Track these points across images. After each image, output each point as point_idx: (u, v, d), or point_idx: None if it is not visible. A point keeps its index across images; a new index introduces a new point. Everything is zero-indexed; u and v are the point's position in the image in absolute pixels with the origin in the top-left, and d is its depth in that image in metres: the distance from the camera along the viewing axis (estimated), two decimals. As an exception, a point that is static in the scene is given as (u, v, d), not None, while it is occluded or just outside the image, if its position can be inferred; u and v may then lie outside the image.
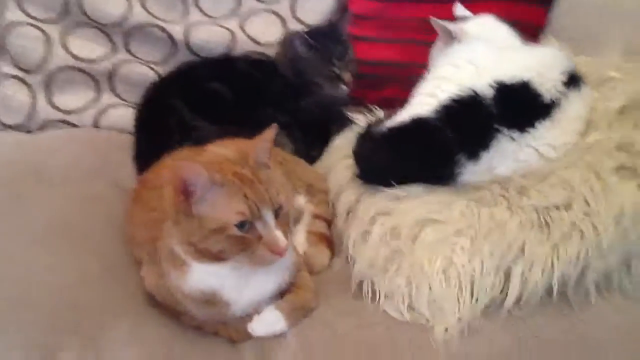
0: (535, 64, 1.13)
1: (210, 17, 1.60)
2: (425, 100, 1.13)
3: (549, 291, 0.95)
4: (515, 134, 1.07)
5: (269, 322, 0.97)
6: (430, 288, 0.96)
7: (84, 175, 1.33)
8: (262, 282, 0.97)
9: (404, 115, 1.14)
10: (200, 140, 1.27)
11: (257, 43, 1.59)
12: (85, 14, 1.48)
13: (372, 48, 1.58)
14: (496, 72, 1.11)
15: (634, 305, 0.97)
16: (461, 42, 1.28)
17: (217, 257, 0.89)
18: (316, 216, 1.21)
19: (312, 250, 1.14)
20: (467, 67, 1.15)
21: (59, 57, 1.48)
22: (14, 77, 1.46)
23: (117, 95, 1.53)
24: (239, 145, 1.18)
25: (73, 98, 1.50)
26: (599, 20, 1.49)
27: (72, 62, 1.49)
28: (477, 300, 0.95)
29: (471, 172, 1.07)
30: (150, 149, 1.35)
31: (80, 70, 1.49)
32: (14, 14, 1.45)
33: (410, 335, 0.94)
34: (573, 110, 1.12)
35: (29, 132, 1.48)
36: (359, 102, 1.53)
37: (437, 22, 1.32)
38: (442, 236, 0.99)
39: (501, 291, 0.96)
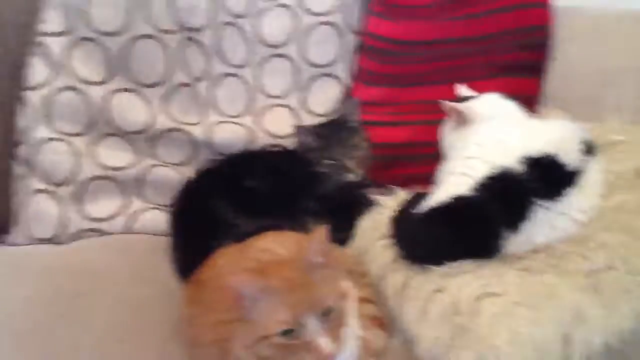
0: (556, 137, 1.22)
1: (227, 115, 1.67)
2: (459, 180, 1.20)
3: (608, 349, 1.00)
4: (549, 204, 1.14)
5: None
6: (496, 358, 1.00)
7: (126, 280, 1.36)
8: None
9: (441, 195, 1.21)
10: (240, 237, 1.33)
11: (274, 136, 1.67)
12: (110, 125, 1.54)
13: (381, 131, 1.66)
14: (522, 149, 1.19)
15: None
16: (474, 121, 1.37)
17: None
18: (363, 299, 1.25)
19: (367, 334, 1.17)
20: (494, 146, 1.23)
21: (88, 168, 1.52)
22: (44, 191, 1.49)
23: (146, 200, 1.57)
24: (286, 240, 1.24)
25: (103, 207, 1.54)
26: (590, 88, 1.61)
27: (100, 172, 1.53)
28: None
29: (513, 243, 1.14)
30: (191, 250, 1.40)
31: (109, 178, 1.54)
32: (43, 132, 1.49)
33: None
34: (594, 175, 1.21)
35: (60, 244, 1.50)
36: (375, 183, 1.61)
37: (447, 105, 1.42)
38: (503, 308, 1.04)
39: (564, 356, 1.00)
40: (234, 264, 1.19)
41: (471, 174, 1.19)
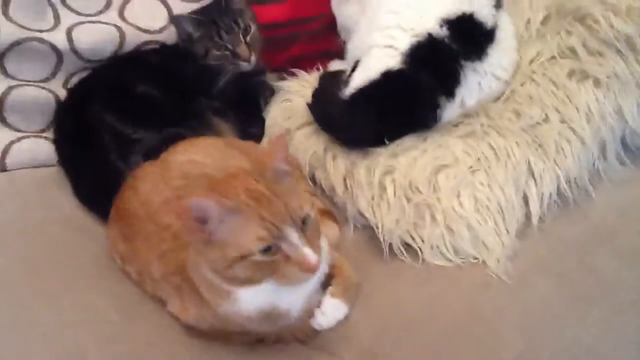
0: None
1: (84, 15, 1.42)
2: (383, 52, 1.14)
3: (560, 198, 1.06)
4: (477, 64, 1.13)
5: (332, 312, 0.96)
6: (468, 229, 1.01)
7: (28, 227, 1.17)
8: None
9: (368, 73, 1.14)
10: (147, 153, 1.19)
11: (147, 32, 1.46)
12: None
13: (265, 10, 1.52)
14: (437, 11, 1.14)
15: (618, 185, 1.12)
16: None
17: (249, 282, 0.84)
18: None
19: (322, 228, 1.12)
20: (407, 11, 1.17)
21: None
22: None
23: (14, 129, 1.33)
24: (205, 147, 1.12)
25: (-36, 146, 1.28)
26: None
27: (-51, 104, 1.25)
28: (509, 226, 1.02)
29: (449, 110, 1.13)
30: (92, 176, 1.23)
31: (-38, 111, 1.27)
32: None
33: (468, 275, 1.00)
34: (507, 29, 1.21)
35: None
36: (270, 67, 1.50)
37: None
38: (460, 178, 1.04)
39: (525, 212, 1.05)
40: (161, 186, 1.06)
41: (395, 45, 1.13)
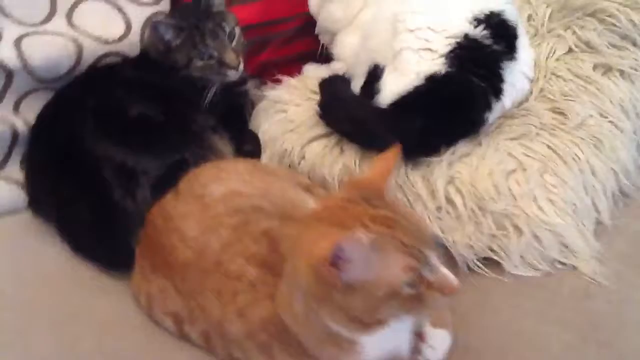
0: None
1: (29, 25, 1.18)
2: (418, 55, 1.06)
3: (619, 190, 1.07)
4: (512, 63, 1.09)
5: (441, 343, 0.88)
6: (553, 235, 0.97)
7: (22, 287, 0.99)
8: None
9: (406, 78, 1.06)
10: (157, 187, 1.01)
11: (106, 42, 1.25)
12: None
13: (234, 11, 1.38)
14: (464, 10, 1.09)
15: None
16: None
17: (385, 322, 0.73)
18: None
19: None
20: (431, 10, 1.10)
21: None
22: None
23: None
24: (236, 174, 0.98)
25: None
26: None
27: None
28: (588, 227, 1.00)
29: (495, 112, 1.08)
30: (90, 221, 1.02)
31: None
32: None
33: (562, 282, 0.96)
34: (522, 27, 1.19)
35: None
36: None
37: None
38: (531, 182, 1.00)
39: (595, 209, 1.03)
40: (213, 227, 0.90)
41: (433, 48, 1.06)
